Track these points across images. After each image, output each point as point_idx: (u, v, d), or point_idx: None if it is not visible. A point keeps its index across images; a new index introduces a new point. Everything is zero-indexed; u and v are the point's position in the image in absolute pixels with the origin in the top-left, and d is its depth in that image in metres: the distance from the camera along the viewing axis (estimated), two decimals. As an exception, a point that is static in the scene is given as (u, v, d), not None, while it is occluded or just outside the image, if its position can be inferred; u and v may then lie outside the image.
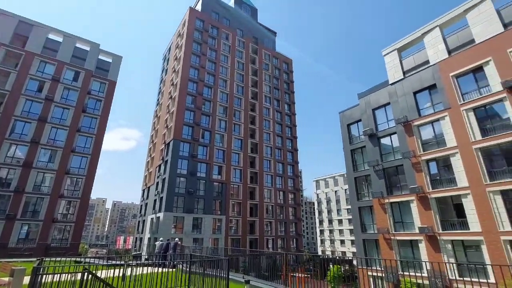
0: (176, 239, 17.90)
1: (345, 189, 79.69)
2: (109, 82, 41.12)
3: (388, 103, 27.06)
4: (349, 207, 77.07)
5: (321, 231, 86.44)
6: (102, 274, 7.99)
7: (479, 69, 21.38)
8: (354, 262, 40.97)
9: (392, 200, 24.77)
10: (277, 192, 52.15)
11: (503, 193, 18.64)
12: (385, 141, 27.09)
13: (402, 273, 21.74)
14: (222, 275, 7.44)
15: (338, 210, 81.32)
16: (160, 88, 61.66)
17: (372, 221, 27.32)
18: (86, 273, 5.78)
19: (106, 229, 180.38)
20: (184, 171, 42.01)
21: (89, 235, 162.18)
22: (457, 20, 23.62)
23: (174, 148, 41.94)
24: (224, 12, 58.74)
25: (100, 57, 42.41)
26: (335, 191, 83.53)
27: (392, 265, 22.25)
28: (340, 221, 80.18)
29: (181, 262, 12.06)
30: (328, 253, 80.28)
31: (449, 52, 23.48)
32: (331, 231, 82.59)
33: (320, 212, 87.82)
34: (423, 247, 21.69)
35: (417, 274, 20.31)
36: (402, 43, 27.06)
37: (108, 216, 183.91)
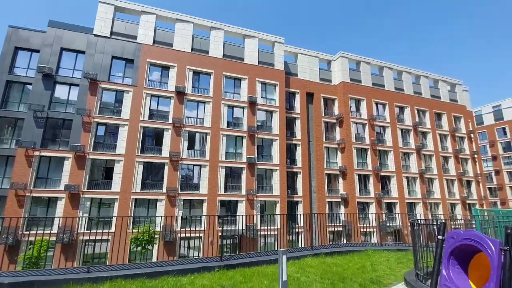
0: None
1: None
2: None
3: (83, 52, 24.30)
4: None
5: None
6: None
7: (167, 68, 26.76)
8: None
9: (44, 153, 21.78)
10: None
11: (145, 164, 24.26)
12: (61, 88, 23.64)
13: (27, 232, 19.60)
14: None
15: None
16: None
17: (3, 174, 21.80)
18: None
19: None
20: None
21: None
22: (172, 22, 27.86)
23: None
24: None
25: None
26: None
27: (17, 225, 19.21)
28: None
29: None
30: None
31: (154, 41, 26.86)
32: None
33: None
34: (62, 204, 21.26)
35: (46, 231, 19.50)
36: (122, 5, 26.27)
37: None
